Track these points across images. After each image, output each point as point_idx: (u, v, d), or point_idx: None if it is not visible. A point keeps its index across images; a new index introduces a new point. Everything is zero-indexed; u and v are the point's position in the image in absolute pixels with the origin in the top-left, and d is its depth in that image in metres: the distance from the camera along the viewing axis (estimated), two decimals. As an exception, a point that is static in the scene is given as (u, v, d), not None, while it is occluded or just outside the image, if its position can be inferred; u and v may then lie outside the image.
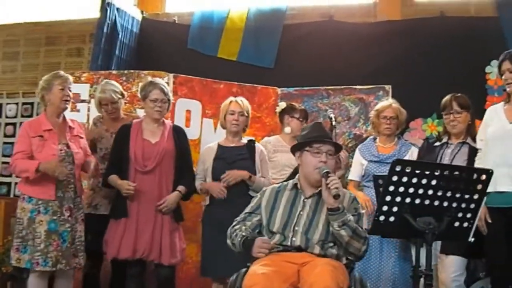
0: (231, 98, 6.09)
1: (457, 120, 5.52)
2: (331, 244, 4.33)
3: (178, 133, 6.01)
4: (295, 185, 4.58)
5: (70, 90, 5.81)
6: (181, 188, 5.83)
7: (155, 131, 5.90)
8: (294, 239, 4.34)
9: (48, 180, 5.56)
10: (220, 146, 6.03)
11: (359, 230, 4.25)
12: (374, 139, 6.28)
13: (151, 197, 5.74)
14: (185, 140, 6.08)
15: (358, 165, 6.24)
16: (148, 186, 5.74)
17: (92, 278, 6.31)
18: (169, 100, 5.96)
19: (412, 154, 6.00)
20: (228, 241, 4.55)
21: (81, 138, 5.88)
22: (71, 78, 5.90)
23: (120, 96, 6.38)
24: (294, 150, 4.63)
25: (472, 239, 4.01)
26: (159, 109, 5.84)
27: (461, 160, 5.42)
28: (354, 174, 6.29)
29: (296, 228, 4.37)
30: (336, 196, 4.17)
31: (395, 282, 5.81)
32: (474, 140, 5.43)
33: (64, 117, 5.84)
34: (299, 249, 4.33)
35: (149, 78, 6.17)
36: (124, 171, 5.78)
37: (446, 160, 5.46)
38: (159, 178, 5.79)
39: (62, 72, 5.85)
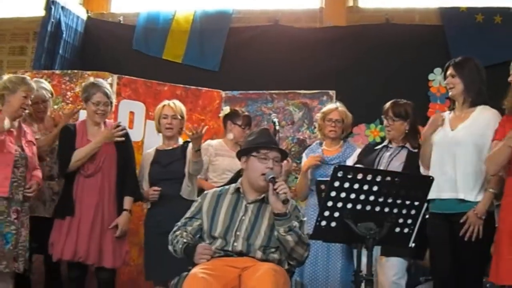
0: (164, 102, 6.09)
1: (390, 127, 5.58)
2: (273, 250, 4.33)
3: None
4: (237, 190, 4.55)
5: (30, 101, 5.72)
6: (127, 204, 5.80)
7: (96, 133, 5.84)
8: (235, 244, 4.33)
9: (4, 176, 5.45)
10: (157, 151, 6.06)
11: (303, 236, 4.26)
12: (321, 143, 6.30)
13: (92, 201, 5.69)
14: (128, 142, 6.02)
15: None
16: (90, 190, 5.70)
17: (23, 281, 6.20)
18: (111, 102, 5.91)
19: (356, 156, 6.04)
20: (170, 247, 4.52)
21: (34, 144, 5.77)
22: (35, 89, 5.81)
23: (50, 96, 6.31)
24: (240, 154, 4.61)
25: (413, 245, 4.04)
26: (101, 112, 5.79)
27: (397, 163, 5.45)
28: None
29: (238, 233, 4.35)
30: (285, 201, 4.17)
31: (341, 286, 5.84)
32: (413, 146, 5.48)
33: (20, 122, 5.73)
34: (240, 254, 4.32)
35: (91, 79, 6.09)
36: (68, 173, 5.73)
37: (383, 163, 5.50)
38: (101, 182, 5.74)
39: (29, 79, 5.75)
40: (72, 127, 5.89)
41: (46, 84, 6.39)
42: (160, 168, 5.92)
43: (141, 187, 5.95)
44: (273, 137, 4.62)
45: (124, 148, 5.91)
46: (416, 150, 5.40)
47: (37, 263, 6.43)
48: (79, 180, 5.72)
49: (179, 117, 6.01)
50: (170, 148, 6.04)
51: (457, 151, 4.85)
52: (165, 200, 5.81)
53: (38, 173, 5.74)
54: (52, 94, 6.37)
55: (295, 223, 4.25)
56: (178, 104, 6.07)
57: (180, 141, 6.13)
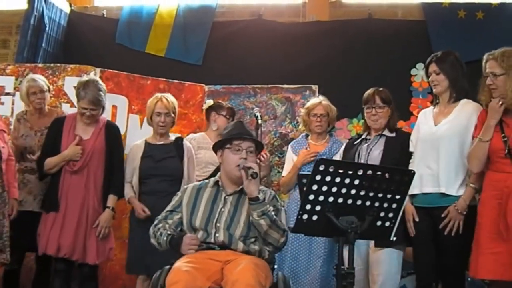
0: (158, 96, 6.04)
1: (378, 115, 5.50)
2: (253, 240, 4.38)
3: (111, 131, 5.95)
4: (216, 183, 4.60)
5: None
6: (111, 201, 5.79)
7: (87, 128, 5.84)
8: (217, 235, 4.37)
9: None
10: (147, 144, 6.00)
11: (278, 222, 4.32)
12: (306, 136, 6.31)
13: (77, 197, 5.69)
14: (118, 138, 6.04)
15: (290, 161, 6.26)
16: (76, 185, 5.69)
17: (13, 275, 6.19)
18: (102, 107, 5.87)
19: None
20: (153, 241, 4.54)
21: (5, 132, 5.75)
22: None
23: (47, 88, 6.30)
24: (215, 148, 4.65)
25: (394, 238, 4.05)
26: (89, 115, 5.76)
27: (376, 152, 5.41)
28: (286, 171, 6.30)
29: (218, 224, 4.39)
30: (254, 175, 4.25)
31: (322, 281, 5.86)
32: (391, 131, 5.48)
33: None
34: (223, 246, 4.35)
35: (85, 78, 5.98)
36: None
37: (363, 155, 5.47)
38: (86, 178, 5.73)
39: None
40: (61, 120, 5.88)
41: (43, 78, 6.39)
42: (153, 163, 5.89)
43: (129, 180, 5.91)
44: (247, 128, 4.63)
45: (114, 144, 5.91)
46: (393, 134, 5.42)
47: (26, 260, 6.41)
48: (65, 175, 5.71)
49: (172, 114, 6.00)
50: (162, 143, 6.02)
51: (440, 146, 4.87)
52: (154, 196, 5.79)
53: (16, 183, 5.74)
54: (49, 87, 6.37)
55: (270, 208, 4.31)
56: (170, 99, 6.04)
57: (171, 136, 6.13)
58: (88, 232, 5.69)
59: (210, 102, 6.69)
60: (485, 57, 4.69)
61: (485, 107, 4.74)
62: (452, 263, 4.86)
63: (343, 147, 5.89)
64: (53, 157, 5.69)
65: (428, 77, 5.20)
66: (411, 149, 5.21)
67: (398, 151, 5.30)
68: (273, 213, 4.32)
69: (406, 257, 5.42)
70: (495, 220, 4.50)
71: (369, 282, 5.38)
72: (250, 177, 4.27)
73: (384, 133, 5.51)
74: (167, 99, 5.99)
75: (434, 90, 5.15)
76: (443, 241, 4.87)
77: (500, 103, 4.53)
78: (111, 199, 5.79)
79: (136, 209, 5.79)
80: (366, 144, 5.54)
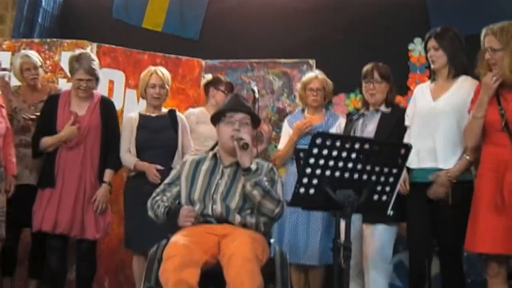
0: (151, 69, 6.05)
1: (376, 90, 5.53)
2: (248, 211, 4.42)
3: (106, 106, 5.96)
4: (214, 155, 4.65)
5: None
6: (108, 176, 5.81)
7: (82, 104, 5.84)
8: (214, 206, 4.41)
9: None
10: (142, 116, 6.01)
11: (272, 192, 4.37)
12: (303, 110, 6.33)
13: (75, 172, 5.71)
14: (113, 113, 6.04)
15: (286, 135, 6.28)
16: (73, 161, 5.70)
17: (9, 250, 6.18)
18: (97, 78, 5.87)
19: (340, 126, 6.07)
20: (150, 213, 4.57)
21: (3, 107, 5.73)
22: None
23: (40, 64, 6.30)
24: (212, 123, 4.70)
25: (391, 212, 4.05)
26: (83, 89, 5.77)
27: (370, 128, 5.46)
28: (282, 144, 6.32)
29: (215, 196, 4.43)
30: (244, 146, 4.31)
31: (322, 254, 5.90)
32: (387, 106, 5.49)
33: None
34: (220, 219, 4.38)
35: (77, 52, 5.99)
36: None
37: (358, 130, 5.52)
38: (83, 154, 5.74)
39: None
40: (55, 98, 5.88)
41: (36, 53, 6.41)
42: (149, 134, 5.89)
43: (126, 152, 5.89)
44: (241, 101, 4.66)
45: (109, 119, 5.92)
46: (389, 109, 5.42)
47: (23, 234, 6.40)
48: (62, 151, 5.71)
49: (167, 86, 6.01)
50: (156, 115, 6.04)
51: (438, 121, 4.88)
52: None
53: (13, 159, 5.73)
54: (42, 63, 6.38)
55: (263, 178, 4.36)
56: (164, 72, 6.06)
57: (164, 109, 6.13)
58: (85, 208, 5.71)
59: (209, 76, 6.71)
60: (483, 31, 4.66)
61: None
62: (448, 239, 4.88)
63: (340, 119, 5.90)
64: (49, 138, 5.69)
65: (426, 52, 5.19)
66: (406, 123, 5.21)
67: (392, 126, 5.32)
68: (266, 183, 4.36)
69: (403, 232, 5.44)
70: (492, 193, 4.50)
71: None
72: (241, 148, 4.30)
73: (380, 108, 5.52)
74: (161, 72, 6.02)
75: (432, 66, 5.15)
76: (439, 217, 4.89)
77: (495, 78, 4.51)
78: (108, 174, 5.80)
79: (148, 174, 5.76)
80: (362, 120, 5.57)
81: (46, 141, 5.69)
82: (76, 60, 5.78)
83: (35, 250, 6.26)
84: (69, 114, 5.74)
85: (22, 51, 6.46)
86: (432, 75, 5.24)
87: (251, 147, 4.41)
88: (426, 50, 5.19)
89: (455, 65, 5.03)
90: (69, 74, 6.38)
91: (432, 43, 5.08)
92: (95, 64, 5.84)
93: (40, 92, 6.25)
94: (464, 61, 5.05)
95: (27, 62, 6.16)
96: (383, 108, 5.52)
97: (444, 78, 5.09)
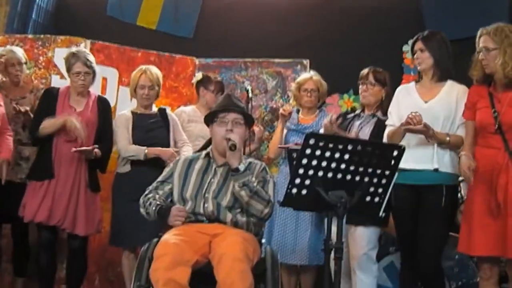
0: (142, 69, 6.06)
1: (369, 92, 5.60)
2: (238, 210, 4.42)
3: (103, 104, 5.99)
4: (207, 154, 4.65)
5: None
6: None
7: (80, 100, 5.86)
8: (206, 205, 4.41)
9: None
10: (134, 114, 6.02)
11: (261, 192, 4.36)
12: (298, 110, 6.34)
13: (71, 166, 5.70)
14: (109, 112, 6.06)
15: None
16: (68, 154, 5.66)
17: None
18: (93, 72, 5.89)
19: None
20: (142, 210, 4.56)
21: (0, 106, 5.72)
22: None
23: (25, 61, 6.29)
24: (206, 123, 4.70)
25: (383, 214, 4.06)
26: (82, 82, 5.79)
27: (366, 130, 5.49)
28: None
29: (207, 195, 4.44)
30: (232, 147, 4.30)
31: (309, 255, 5.91)
32: (384, 114, 5.48)
33: None
34: (211, 218, 4.38)
35: (73, 49, 6.03)
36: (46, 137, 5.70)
37: (353, 131, 5.55)
38: (79, 147, 5.67)
39: None
40: (55, 91, 5.90)
41: (21, 50, 6.37)
42: (143, 133, 5.90)
43: (128, 144, 5.87)
44: (234, 101, 4.65)
45: (105, 117, 5.95)
46: (386, 117, 5.42)
47: (6, 230, 6.39)
48: (58, 145, 5.70)
49: (156, 87, 6.01)
50: (148, 112, 6.05)
51: (433, 123, 4.86)
52: (145, 167, 5.80)
53: (9, 143, 5.72)
54: (26, 60, 6.35)
55: (251, 179, 4.37)
56: (154, 71, 6.05)
57: (154, 107, 6.14)
58: (78, 202, 5.70)
59: (199, 76, 6.71)
60: (479, 32, 4.70)
61: (476, 83, 4.78)
62: (431, 236, 4.88)
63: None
64: (51, 119, 5.65)
65: (413, 55, 5.24)
66: (389, 122, 5.21)
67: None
68: (255, 184, 4.36)
69: (393, 233, 5.46)
70: (485, 196, 4.52)
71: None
72: (229, 149, 4.31)
73: (377, 114, 5.56)
74: (150, 72, 6.01)
75: (418, 68, 5.20)
76: (424, 215, 4.91)
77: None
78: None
79: (164, 155, 5.76)
80: (359, 121, 5.60)
81: (45, 123, 5.64)
82: (72, 56, 5.83)
83: (17, 248, 6.26)
84: (68, 108, 5.75)
85: (8, 47, 6.44)
86: (418, 77, 5.27)
87: (239, 148, 4.41)
88: (412, 52, 5.24)
89: (440, 68, 5.06)
90: (62, 71, 6.41)
91: (418, 45, 5.12)
92: (91, 58, 5.89)
93: (23, 88, 6.25)
94: (449, 65, 5.09)
95: (11, 57, 6.14)
96: (380, 114, 5.55)
97: (429, 80, 5.13)
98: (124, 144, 5.87)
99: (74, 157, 5.67)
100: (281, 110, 6.18)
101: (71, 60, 5.80)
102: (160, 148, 5.81)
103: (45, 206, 5.59)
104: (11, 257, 6.35)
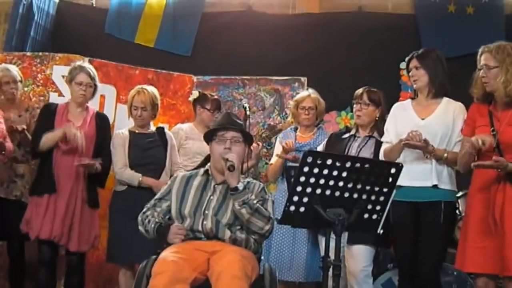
0: (137, 89, 6.04)
1: (362, 112, 5.62)
2: (238, 227, 4.40)
3: (101, 120, 6.00)
4: (206, 172, 4.64)
5: None
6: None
7: (78, 115, 5.86)
8: (205, 222, 4.39)
9: None
10: (132, 132, 6.01)
11: (261, 210, 4.35)
12: (296, 129, 6.34)
13: (69, 180, 5.68)
14: (107, 128, 6.08)
15: (278, 152, 6.26)
16: (67, 169, 5.67)
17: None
18: (95, 85, 5.91)
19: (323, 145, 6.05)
20: (141, 228, 4.55)
21: (1, 122, 5.72)
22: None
23: (20, 79, 6.30)
24: (206, 141, 4.69)
25: (381, 231, 4.06)
26: (83, 93, 5.81)
27: (367, 153, 5.50)
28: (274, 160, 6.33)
29: (206, 212, 4.42)
30: (230, 168, 4.28)
31: (306, 271, 5.91)
32: (380, 135, 5.50)
33: None
34: (210, 235, 4.37)
35: (78, 62, 6.06)
36: (45, 152, 5.70)
37: (353, 153, 5.55)
38: (81, 160, 5.69)
39: None
40: (53, 107, 5.91)
41: (16, 69, 6.40)
42: (140, 152, 5.90)
43: (124, 166, 5.85)
44: (233, 119, 4.66)
45: (104, 132, 5.96)
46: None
47: (2, 247, 6.40)
48: (56, 158, 5.70)
49: (149, 108, 5.98)
50: (146, 132, 6.05)
51: (430, 140, 4.87)
52: (141, 187, 5.80)
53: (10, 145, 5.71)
54: (21, 78, 6.37)
55: (251, 197, 4.36)
56: (150, 92, 6.02)
57: (152, 126, 6.14)
58: (74, 218, 5.68)
59: (195, 94, 6.69)
60: (480, 49, 4.72)
61: (476, 100, 4.79)
62: (429, 253, 4.90)
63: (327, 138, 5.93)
64: (50, 133, 5.64)
65: (408, 72, 5.27)
66: (385, 139, 5.23)
67: None
68: (255, 201, 4.35)
69: (392, 250, 5.47)
70: (483, 214, 4.52)
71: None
72: (227, 169, 4.30)
73: (374, 135, 5.60)
74: (145, 92, 5.99)
75: (414, 86, 5.23)
76: (422, 231, 4.92)
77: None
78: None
79: (156, 188, 5.61)
80: (357, 143, 5.63)
81: (45, 137, 5.62)
82: (77, 67, 5.87)
83: (14, 264, 6.26)
84: (66, 123, 5.73)
85: (3, 65, 6.44)
86: (414, 94, 5.31)
87: (238, 168, 4.39)
88: (408, 70, 5.27)
89: (435, 85, 5.09)
90: (60, 88, 6.45)
91: (414, 63, 5.16)
92: (95, 73, 5.95)
93: (18, 106, 6.25)
94: (445, 82, 5.13)
95: (6, 75, 6.16)
96: (377, 135, 5.58)
97: (424, 98, 5.16)
98: (120, 167, 5.86)
99: (72, 171, 5.68)
100: (283, 143, 6.08)
101: (74, 71, 5.83)
102: (154, 180, 5.79)
103: (47, 221, 5.58)
104: (8, 274, 6.33)
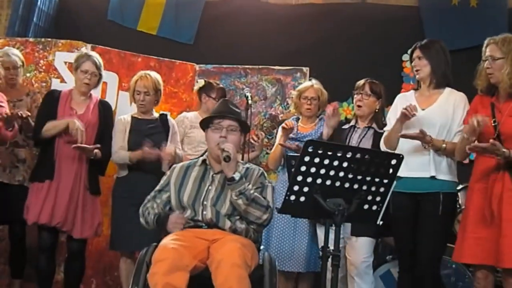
0: (140, 74, 6.04)
1: (363, 102, 5.66)
2: (238, 217, 4.42)
3: (104, 108, 5.99)
4: (203, 161, 4.65)
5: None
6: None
7: (81, 103, 5.87)
8: (204, 212, 4.41)
9: None
10: (134, 118, 6.00)
11: (259, 199, 4.37)
12: (298, 119, 6.33)
13: (71, 168, 5.70)
14: (110, 115, 6.07)
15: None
16: (69, 156, 5.68)
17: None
18: (100, 75, 5.93)
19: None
20: (141, 220, 4.58)
21: (2, 107, 5.71)
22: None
23: (21, 64, 6.31)
24: (203, 128, 4.71)
25: (381, 222, 4.06)
26: (87, 81, 5.81)
27: (367, 144, 5.53)
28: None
29: (205, 202, 4.44)
30: (226, 158, 4.28)
31: (306, 262, 5.93)
32: (380, 127, 5.52)
33: None
34: (210, 225, 4.38)
35: (84, 50, 6.12)
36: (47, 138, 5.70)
37: (353, 143, 5.59)
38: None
39: None
40: (56, 94, 5.91)
41: (18, 53, 6.39)
42: (141, 137, 5.83)
43: (119, 149, 5.85)
44: (230, 107, 4.66)
45: (106, 119, 5.96)
46: (382, 131, 5.43)
47: (3, 232, 6.41)
48: (59, 146, 5.70)
49: (151, 92, 5.96)
50: (148, 118, 6.04)
51: (429, 130, 4.88)
52: (140, 172, 5.80)
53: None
54: (23, 63, 6.36)
55: (247, 187, 4.35)
56: (153, 77, 6.01)
57: (155, 113, 6.14)
58: (78, 205, 5.69)
59: (201, 82, 6.68)
60: (486, 41, 4.74)
61: (480, 93, 4.80)
62: (428, 244, 4.91)
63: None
64: (54, 121, 5.66)
65: (411, 63, 5.29)
66: (387, 128, 5.24)
67: None
68: (252, 191, 4.35)
69: (391, 242, 5.48)
70: (481, 205, 4.54)
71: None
72: (223, 160, 4.30)
73: (372, 126, 5.63)
74: (148, 77, 5.99)
75: (417, 76, 5.24)
76: (422, 223, 4.93)
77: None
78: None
79: (145, 156, 5.69)
80: (357, 134, 5.67)
81: (48, 125, 5.64)
82: (83, 55, 5.88)
83: (15, 250, 6.26)
84: (69, 111, 5.76)
85: (4, 49, 6.42)
86: (417, 85, 5.31)
87: (234, 157, 4.37)
88: (411, 60, 5.29)
89: (437, 75, 5.10)
90: (62, 75, 6.44)
91: (417, 53, 5.17)
92: (101, 62, 5.96)
93: (19, 91, 6.26)
94: (447, 73, 5.14)
95: (6, 61, 6.14)
96: (375, 127, 5.62)
97: (426, 88, 5.18)
98: (115, 150, 5.86)
99: (74, 158, 5.69)
100: (283, 124, 6.12)
101: (81, 58, 5.84)
102: (141, 151, 5.72)
103: (47, 207, 5.58)
104: (9, 259, 6.34)
